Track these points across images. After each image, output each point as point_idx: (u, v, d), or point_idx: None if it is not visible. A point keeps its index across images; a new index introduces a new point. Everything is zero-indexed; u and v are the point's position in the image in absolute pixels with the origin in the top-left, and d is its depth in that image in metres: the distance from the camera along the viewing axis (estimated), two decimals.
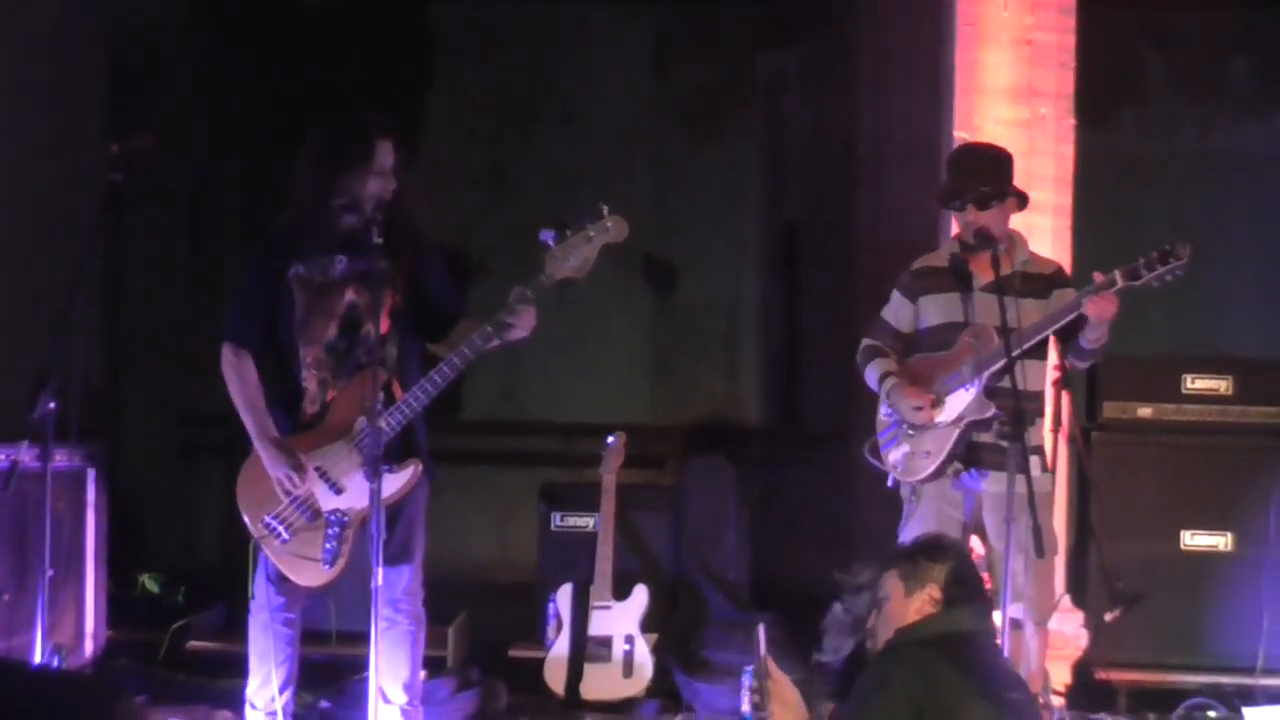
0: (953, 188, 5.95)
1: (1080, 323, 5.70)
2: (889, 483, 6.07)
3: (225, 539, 8.25)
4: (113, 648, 6.95)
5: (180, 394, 8.68)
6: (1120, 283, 5.57)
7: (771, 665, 4.38)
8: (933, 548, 4.61)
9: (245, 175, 8.64)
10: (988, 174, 5.94)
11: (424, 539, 5.75)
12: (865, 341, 6.18)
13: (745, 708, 4.39)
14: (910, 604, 4.43)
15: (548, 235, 5.43)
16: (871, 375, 6.09)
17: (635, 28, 8.86)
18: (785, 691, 4.35)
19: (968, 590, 4.47)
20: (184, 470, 8.76)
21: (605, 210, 5.45)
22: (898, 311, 6.14)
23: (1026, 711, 4.34)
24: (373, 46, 8.47)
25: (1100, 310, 5.59)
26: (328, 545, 5.50)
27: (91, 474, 6.78)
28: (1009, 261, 5.82)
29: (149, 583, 7.78)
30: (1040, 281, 5.94)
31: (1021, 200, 6.01)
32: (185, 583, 7.78)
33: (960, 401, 5.83)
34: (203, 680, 6.77)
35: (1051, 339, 5.92)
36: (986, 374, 5.77)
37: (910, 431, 5.93)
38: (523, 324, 5.44)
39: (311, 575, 5.56)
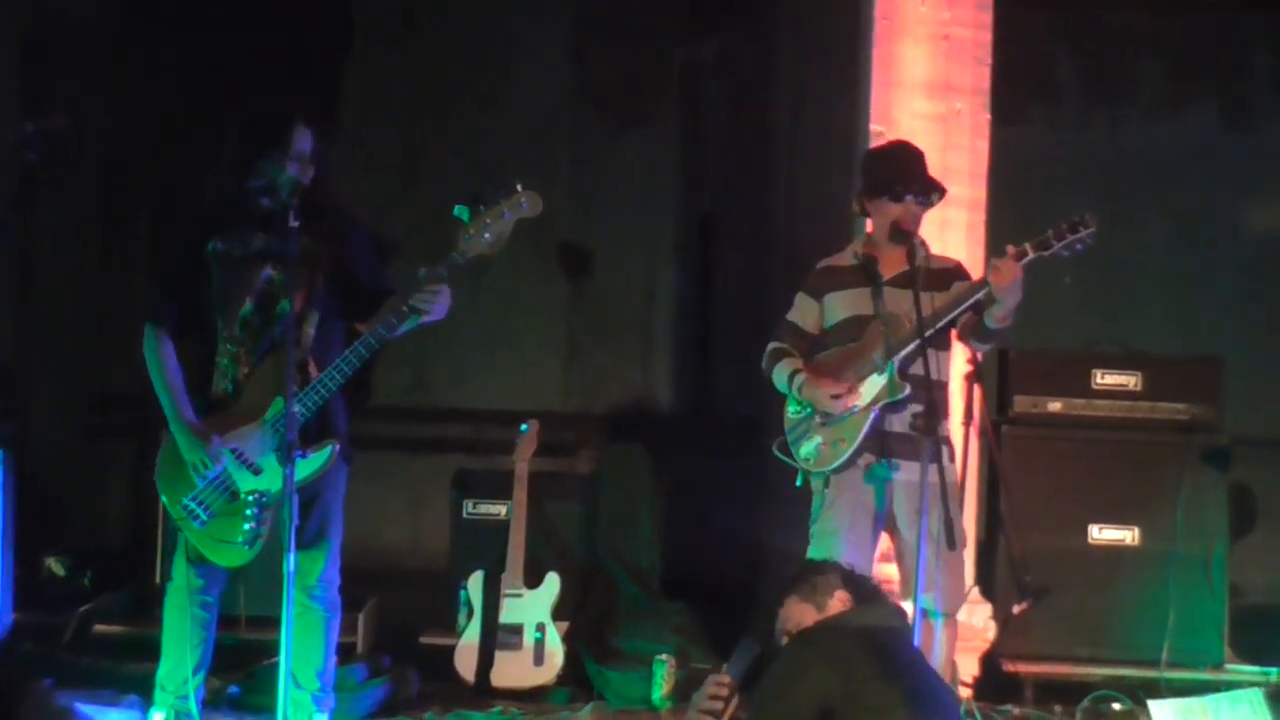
0: (898, 179, 5.90)
1: (985, 304, 5.72)
2: (797, 482, 6.05)
3: (133, 521, 8.19)
4: (19, 631, 6.86)
5: (89, 375, 8.61)
6: (1031, 254, 5.60)
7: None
8: (814, 565, 4.67)
9: (159, 155, 8.56)
10: (923, 170, 5.96)
11: (341, 525, 5.73)
12: (771, 345, 6.14)
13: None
14: (826, 616, 4.46)
15: (461, 211, 5.40)
16: (780, 376, 6.05)
17: (554, 14, 8.85)
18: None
19: (867, 589, 4.54)
20: (92, 452, 8.68)
21: (519, 185, 5.40)
22: (804, 311, 6.12)
23: (939, 702, 4.37)
24: (291, 27, 8.41)
25: (1002, 278, 5.59)
26: (246, 526, 5.47)
27: None
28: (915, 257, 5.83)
29: (55, 566, 7.71)
30: (942, 276, 5.95)
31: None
32: (92, 565, 7.71)
33: (874, 386, 5.84)
34: (110, 663, 6.69)
35: (954, 332, 5.95)
36: (898, 358, 5.78)
37: (821, 422, 5.93)
38: (436, 308, 5.42)
39: (231, 556, 5.53)
